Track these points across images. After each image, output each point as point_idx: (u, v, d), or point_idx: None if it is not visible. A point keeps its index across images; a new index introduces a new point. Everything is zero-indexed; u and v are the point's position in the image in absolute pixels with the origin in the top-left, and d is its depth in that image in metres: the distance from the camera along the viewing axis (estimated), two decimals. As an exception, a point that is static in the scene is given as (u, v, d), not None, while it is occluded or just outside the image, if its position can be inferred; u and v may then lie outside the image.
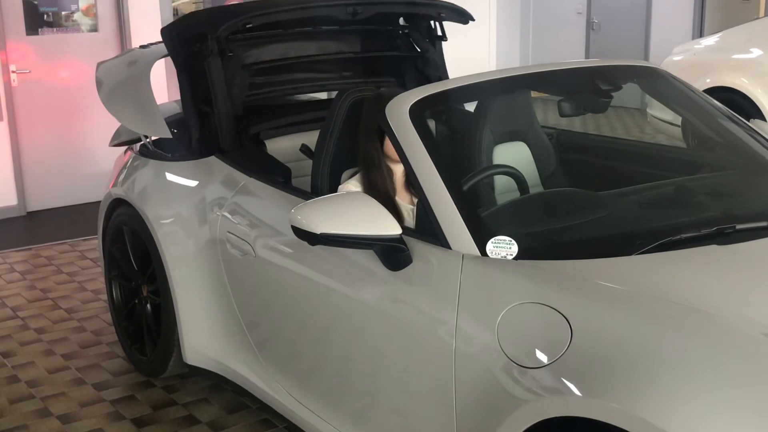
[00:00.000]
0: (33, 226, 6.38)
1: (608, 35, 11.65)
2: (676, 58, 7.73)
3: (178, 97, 3.73)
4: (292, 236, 2.44)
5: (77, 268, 5.26)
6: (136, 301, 3.74)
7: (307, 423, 2.84)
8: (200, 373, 3.47)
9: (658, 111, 6.98)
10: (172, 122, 3.66)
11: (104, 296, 4.44)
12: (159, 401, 3.55)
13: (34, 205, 6.67)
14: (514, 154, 3.29)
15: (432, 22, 4.08)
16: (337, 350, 2.69)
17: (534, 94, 3.53)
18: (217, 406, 3.48)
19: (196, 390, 3.62)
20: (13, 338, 4.22)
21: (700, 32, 10.48)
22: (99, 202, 3.97)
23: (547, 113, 4.01)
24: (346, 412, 2.69)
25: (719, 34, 7.74)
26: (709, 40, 7.85)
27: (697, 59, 7.59)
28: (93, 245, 5.63)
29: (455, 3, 3.97)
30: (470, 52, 8.49)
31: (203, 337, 3.37)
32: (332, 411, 2.74)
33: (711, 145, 3.37)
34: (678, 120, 5.56)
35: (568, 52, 11.96)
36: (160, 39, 3.71)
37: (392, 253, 2.39)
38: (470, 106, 3.27)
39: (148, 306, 3.65)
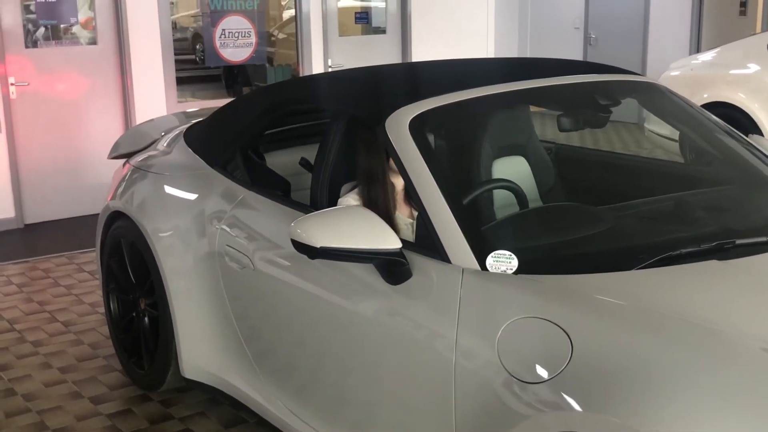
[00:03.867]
0: (30, 239, 6.36)
1: (605, 50, 11.69)
2: (673, 73, 7.77)
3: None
4: (291, 250, 2.44)
5: (75, 281, 5.24)
6: (134, 314, 3.72)
7: (305, 437, 2.83)
8: (197, 386, 3.46)
9: (656, 126, 7.01)
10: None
11: (102, 309, 4.42)
12: (156, 415, 3.53)
13: (32, 217, 6.65)
14: (513, 169, 3.29)
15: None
16: (336, 364, 2.68)
17: (533, 108, 3.54)
18: (215, 420, 3.46)
19: (193, 404, 3.61)
20: (10, 351, 4.20)
21: (697, 48, 10.53)
22: (97, 214, 3.96)
23: (546, 128, 4.02)
24: (344, 427, 2.67)
25: (716, 50, 7.79)
26: (707, 56, 7.90)
27: (694, 74, 7.63)
28: (91, 258, 5.61)
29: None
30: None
31: (201, 350, 3.36)
32: (330, 425, 2.73)
33: (709, 160, 3.37)
34: (676, 135, 5.59)
35: (566, 67, 11.99)
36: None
37: (392, 267, 2.39)
38: (470, 121, 3.27)
39: (146, 319, 3.63)
